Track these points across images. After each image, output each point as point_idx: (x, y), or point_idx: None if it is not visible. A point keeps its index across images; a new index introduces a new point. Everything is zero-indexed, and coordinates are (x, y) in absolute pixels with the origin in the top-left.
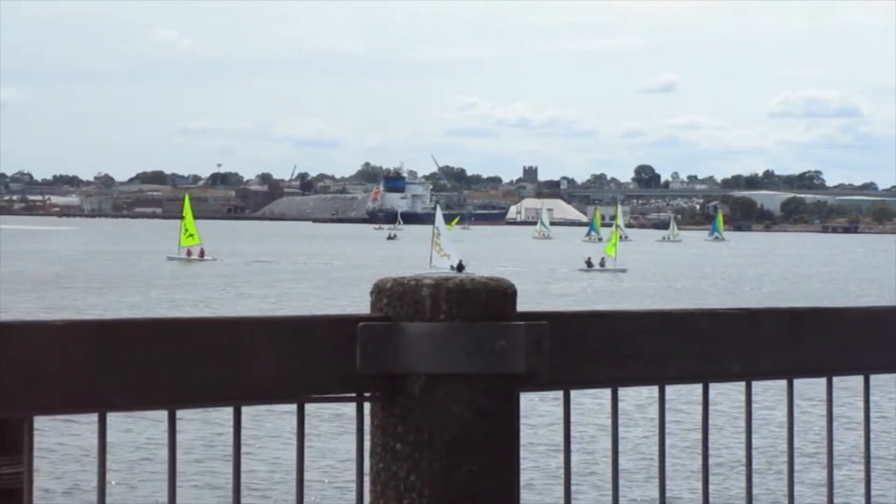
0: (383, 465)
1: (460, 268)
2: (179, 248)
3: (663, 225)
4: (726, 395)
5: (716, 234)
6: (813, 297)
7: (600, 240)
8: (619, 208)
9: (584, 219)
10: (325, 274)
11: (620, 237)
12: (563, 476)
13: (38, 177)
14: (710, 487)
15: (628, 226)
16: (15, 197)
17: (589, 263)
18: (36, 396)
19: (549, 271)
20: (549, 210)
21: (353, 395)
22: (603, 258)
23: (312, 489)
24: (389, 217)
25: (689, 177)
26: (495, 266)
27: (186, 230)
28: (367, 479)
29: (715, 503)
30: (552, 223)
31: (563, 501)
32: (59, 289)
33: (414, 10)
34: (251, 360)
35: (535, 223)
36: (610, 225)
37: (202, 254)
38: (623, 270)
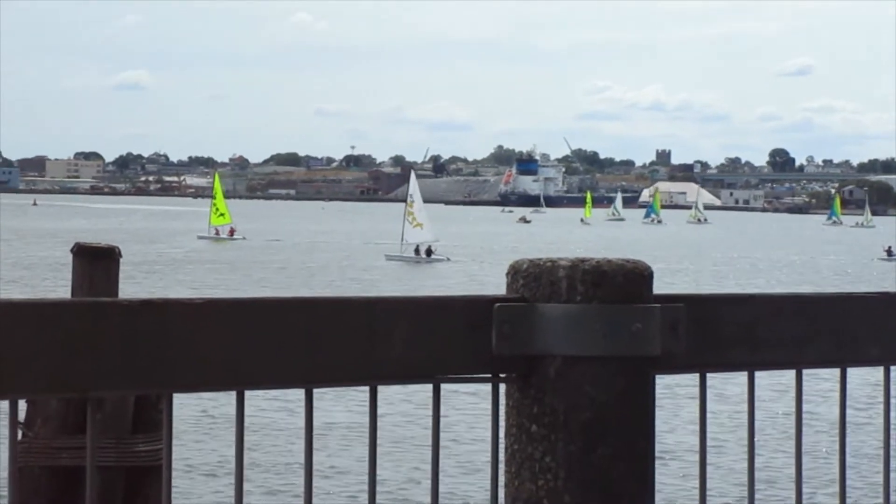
0: (518, 447)
1: (429, 252)
2: (210, 227)
3: (797, 209)
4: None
5: (833, 217)
6: None
7: (660, 222)
8: (699, 190)
9: (718, 202)
10: (500, 254)
11: (699, 220)
12: (697, 458)
13: (173, 158)
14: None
15: (763, 210)
16: (151, 178)
17: (889, 252)
18: (175, 374)
19: (865, 261)
20: (682, 193)
21: (489, 375)
22: None
23: (444, 470)
24: (522, 200)
25: (824, 161)
26: (796, 253)
27: (217, 209)
28: (501, 460)
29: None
30: (686, 207)
31: (699, 484)
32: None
33: None
34: (387, 339)
35: (670, 207)
36: (687, 207)
37: (231, 232)
38: None
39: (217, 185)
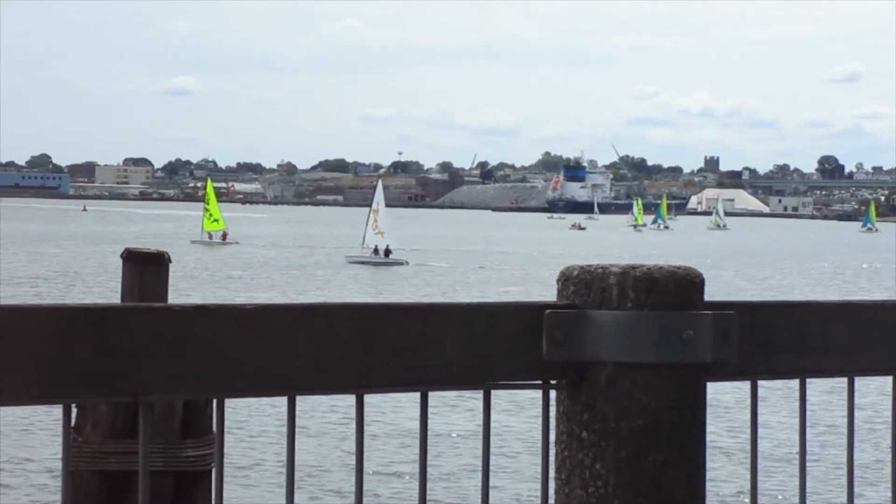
0: (569, 453)
1: (387, 252)
2: (202, 232)
3: (847, 216)
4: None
5: (868, 225)
6: None
7: (667, 227)
8: (720, 196)
9: (766, 209)
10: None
11: (718, 225)
12: (748, 466)
13: (222, 164)
14: None
15: (812, 217)
16: (199, 184)
17: None
18: (226, 379)
19: None
20: (730, 200)
21: (539, 382)
22: None
23: (494, 475)
24: (569, 206)
25: (873, 168)
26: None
27: (211, 215)
28: (552, 467)
29: None
30: (734, 214)
31: (750, 490)
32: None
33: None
34: (438, 345)
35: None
36: (737, 214)
37: (224, 237)
38: None
39: (210, 190)
